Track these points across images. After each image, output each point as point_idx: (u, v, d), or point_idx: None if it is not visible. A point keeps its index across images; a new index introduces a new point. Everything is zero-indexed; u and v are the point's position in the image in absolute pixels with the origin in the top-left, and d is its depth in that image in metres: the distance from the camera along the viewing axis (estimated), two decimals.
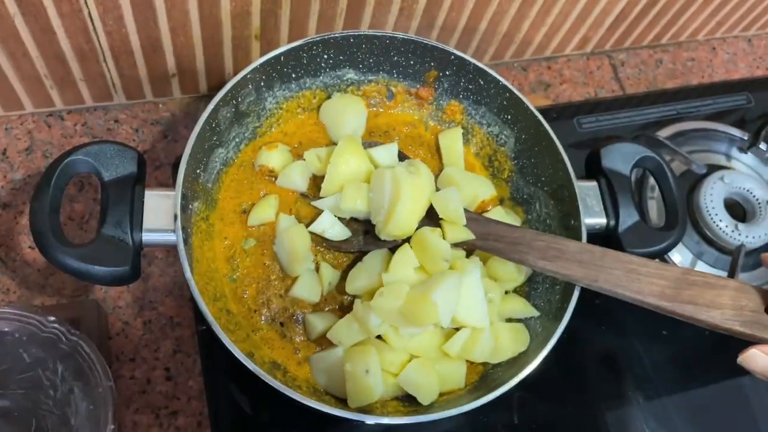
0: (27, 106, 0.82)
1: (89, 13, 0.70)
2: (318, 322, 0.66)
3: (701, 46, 1.08)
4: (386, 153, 0.70)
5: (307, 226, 0.68)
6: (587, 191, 0.69)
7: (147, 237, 0.58)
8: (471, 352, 0.64)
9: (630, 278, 0.60)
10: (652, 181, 0.87)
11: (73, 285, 0.76)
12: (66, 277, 0.76)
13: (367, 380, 0.61)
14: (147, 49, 0.78)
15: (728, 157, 0.91)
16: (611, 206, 0.68)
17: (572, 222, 0.68)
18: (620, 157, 0.69)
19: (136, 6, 0.71)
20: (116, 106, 0.86)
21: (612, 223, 0.68)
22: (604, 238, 0.69)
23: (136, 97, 0.86)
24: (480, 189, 0.72)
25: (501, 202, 0.76)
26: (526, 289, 0.71)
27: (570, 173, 0.68)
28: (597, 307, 0.79)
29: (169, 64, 0.81)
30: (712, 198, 0.83)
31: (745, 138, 0.92)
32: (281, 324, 0.66)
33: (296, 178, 0.70)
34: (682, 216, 0.68)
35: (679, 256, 0.84)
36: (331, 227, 0.68)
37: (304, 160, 0.70)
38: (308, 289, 0.66)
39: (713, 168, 0.87)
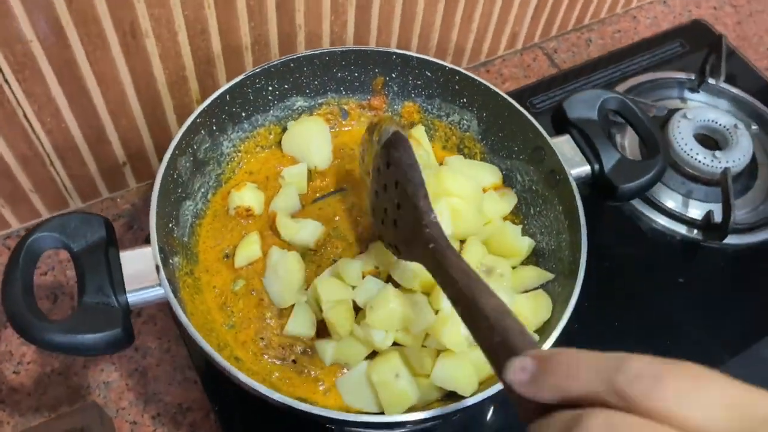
0: None
1: (24, 115, 0.69)
2: (327, 347, 0.62)
3: (622, 18, 1.11)
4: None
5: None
6: (562, 146, 0.68)
7: (132, 297, 0.55)
8: None
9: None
10: (618, 138, 0.87)
11: (69, 397, 0.71)
12: (59, 391, 0.71)
13: (399, 385, 0.57)
14: (91, 141, 0.76)
15: (683, 99, 0.92)
16: (590, 152, 0.67)
17: (558, 177, 0.66)
18: (584, 105, 0.69)
19: (70, 96, 0.70)
20: (74, 212, 0.83)
21: (596, 167, 0.66)
22: (593, 187, 0.68)
23: (92, 197, 0.83)
24: (484, 176, 0.72)
25: None
26: (534, 259, 0.68)
27: (540, 130, 0.67)
28: (607, 270, 0.78)
29: (118, 152, 0.79)
30: (682, 136, 0.83)
31: (693, 78, 0.93)
32: (294, 361, 0.62)
33: (290, 203, 0.69)
34: (662, 142, 0.68)
35: (672, 201, 0.83)
36: None
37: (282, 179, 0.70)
38: (302, 323, 0.62)
39: (673, 112, 0.88)
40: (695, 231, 0.81)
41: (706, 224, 0.80)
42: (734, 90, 0.92)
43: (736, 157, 0.82)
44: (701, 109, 0.87)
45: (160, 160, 0.83)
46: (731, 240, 0.79)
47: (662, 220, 0.81)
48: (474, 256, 0.64)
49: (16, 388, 0.72)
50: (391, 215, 0.58)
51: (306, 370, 0.61)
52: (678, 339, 0.75)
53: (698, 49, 0.98)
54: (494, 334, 0.38)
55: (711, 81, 0.91)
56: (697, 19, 1.07)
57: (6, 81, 0.65)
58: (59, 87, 0.68)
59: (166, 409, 0.72)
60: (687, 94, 0.93)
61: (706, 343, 0.74)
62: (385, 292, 0.59)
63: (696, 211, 0.82)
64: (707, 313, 0.77)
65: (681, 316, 0.76)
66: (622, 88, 0.92)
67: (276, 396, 0.51)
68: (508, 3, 0.94)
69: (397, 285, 0.62)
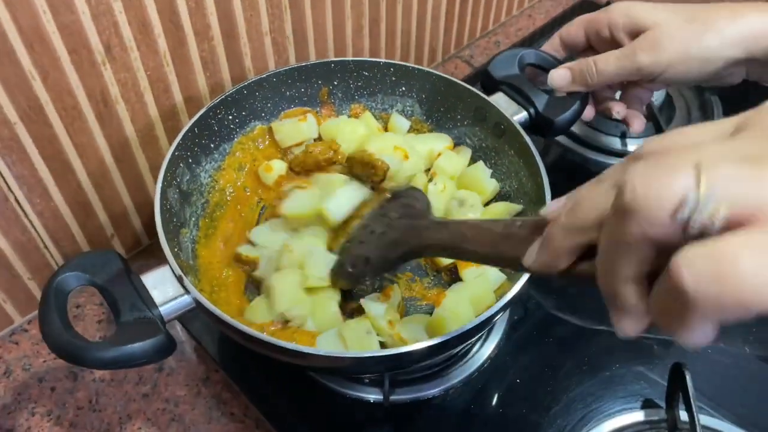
0: None
1: (16, 199, 0.71)
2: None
3: (521, 19, 1.24)
4: None
5: None
6: (497, 102, 0.75)
7: (164, 310, 0.58)
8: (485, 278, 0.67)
9: None
10: None
11: None
12: None
13: (371, 339, 0.62)
14: (79, 215, 0.79)
15: None
16: (523, 99, 0.75)
17: (502, 126, 0.74)
18: (505, 66, 0.78)
19: (55, 173, 0.73)
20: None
21: (532, 110, 0.74)
22: (533, 128, 0.76)
23: None
24: (436, 143, 0.79)
25: None
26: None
27: (477, 92, 0.75)
28: None
29: (105, 225, 0.82)
30: None
31: None
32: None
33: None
34: None
35: (612, 144, 0.93)
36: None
37: None
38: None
39: None
40: None
41: None
42: None
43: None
44: None
45: (145, 227, 0.89)
46: None
47: (609, 160, 0.90)
48: (447, 194, 0.72)
49: None
50: (379, 230, 0.64)
51: None
52: None
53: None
54: (513, 226, 0.46)
55: None
56: None
57: None
58: (44, 165, 0.71)
59: None
60: None
61: None
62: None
63: (634, 146, 0.92)
64: None
65: None
66: None
67: (337, 353, 0.57)
68: (422, 20, 1.05)
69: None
